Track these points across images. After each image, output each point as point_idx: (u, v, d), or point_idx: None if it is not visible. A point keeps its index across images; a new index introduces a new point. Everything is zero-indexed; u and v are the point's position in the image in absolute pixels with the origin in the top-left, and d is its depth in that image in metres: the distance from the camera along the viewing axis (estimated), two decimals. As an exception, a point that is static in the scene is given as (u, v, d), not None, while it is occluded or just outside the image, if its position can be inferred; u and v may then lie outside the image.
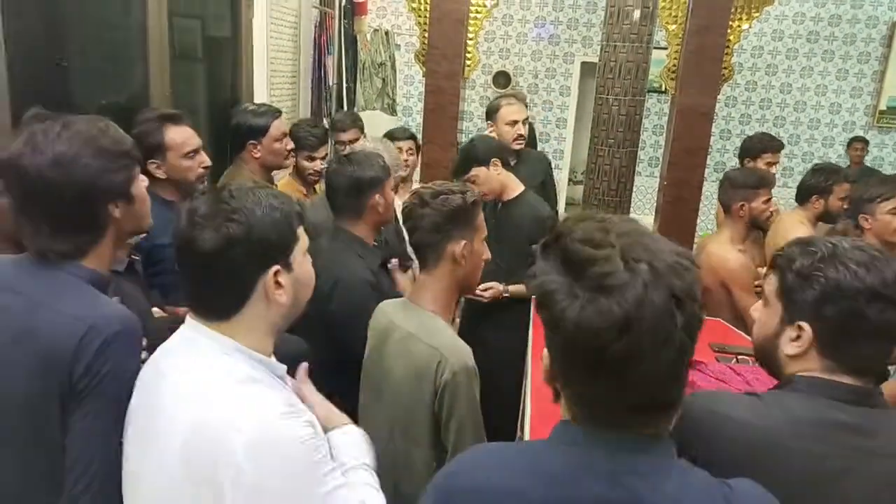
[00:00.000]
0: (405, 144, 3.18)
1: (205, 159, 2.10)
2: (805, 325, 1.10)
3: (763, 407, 1.09)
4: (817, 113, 6.81)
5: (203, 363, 1.04)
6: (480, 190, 2.55)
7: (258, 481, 0.93)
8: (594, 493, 0.78)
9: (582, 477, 0.79)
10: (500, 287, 2.50)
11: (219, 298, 1.05)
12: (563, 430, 0.85)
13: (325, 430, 1.12)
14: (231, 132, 2.66)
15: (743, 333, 2.56)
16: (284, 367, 1.12)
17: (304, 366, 1.24)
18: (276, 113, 2.67)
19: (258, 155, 2.61)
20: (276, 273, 1.05)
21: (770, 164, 3.49)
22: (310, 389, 1.21)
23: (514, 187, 2.68)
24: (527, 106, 3.35)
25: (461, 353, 1.53)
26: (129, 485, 1.10)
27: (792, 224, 2.94)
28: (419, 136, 3.60)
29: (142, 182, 1.30)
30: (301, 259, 1.11)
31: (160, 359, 1.10)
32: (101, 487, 1.11)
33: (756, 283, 2.66)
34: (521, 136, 3.17)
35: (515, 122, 3.17)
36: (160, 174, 2.02)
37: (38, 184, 1.14)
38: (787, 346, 1.12)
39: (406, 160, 3.15)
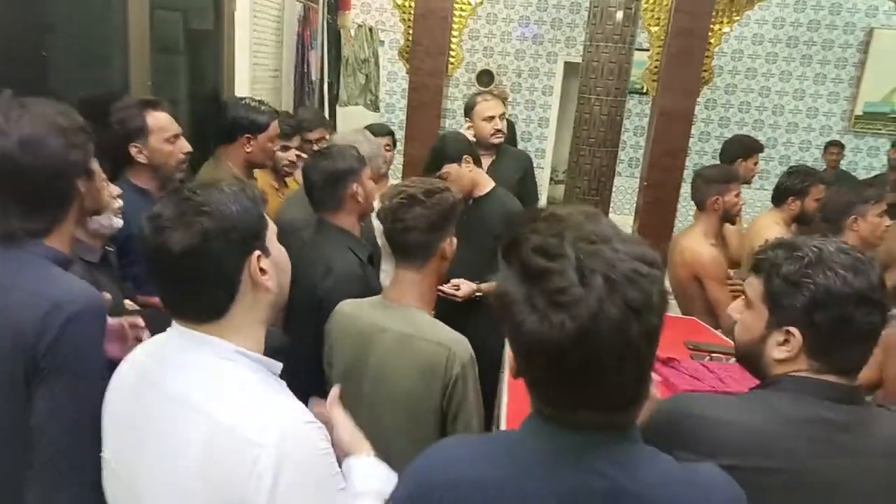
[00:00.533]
0: (382, 140, 3.18)
1: (185, 145, 2.11)
2: (794, 330, 1.10)
3: (745, 406, 1.11)
4: (795, 117, 6.91)
5: (206, 372, 1.00)
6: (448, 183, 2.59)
7: (283, 491, 0.91)
8: (576, 483, 0.79)
9: (560, 467, 0.81)
10: (474, 286, 2.52)
11: (206, 299, 1.01)
12: (534, 422, 0.86)
13: (347, 455, 1.12)
14: (227, 123, 2.59)
15: (713, 330, 2.62)
16: (280, 364, 1.10)
17: (336, 389, 1.20)
18: (275, 114, 2.69)
19: (250, 150, 2.56)
20: (258, 258, 1.03)
21: (756, 163, 3.56)
22: (338, 412, 1.18)
23: (485, 183, 2.69)
24: (505, 103, 3.36)
25: (465, 345, 1.55)
26: (120, 498, 1.07)
27: (767, 225, 3.00)
28: (402, 133, 3.59)
29: (96, 164, 1.32)
30: (275, 241, 1.10)
31: (149, 368, 1.06)
32: (69, 461, 1.10)
33: (729, 281, 2.71)
34: (498, 130, 3.19)
35: (492, 118, 3.18)
36: (142, 158, 2.03)
37: (5, 166, 1.14)
38: (775, 351, 1.12)
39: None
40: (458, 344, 1.54)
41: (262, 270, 1.04)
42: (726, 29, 4.15)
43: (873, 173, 6.34)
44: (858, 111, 6.74)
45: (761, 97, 6.90)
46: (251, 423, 0.94)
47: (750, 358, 1.19)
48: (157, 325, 1.12)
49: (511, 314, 0.77)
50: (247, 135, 2.55)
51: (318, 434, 0.98)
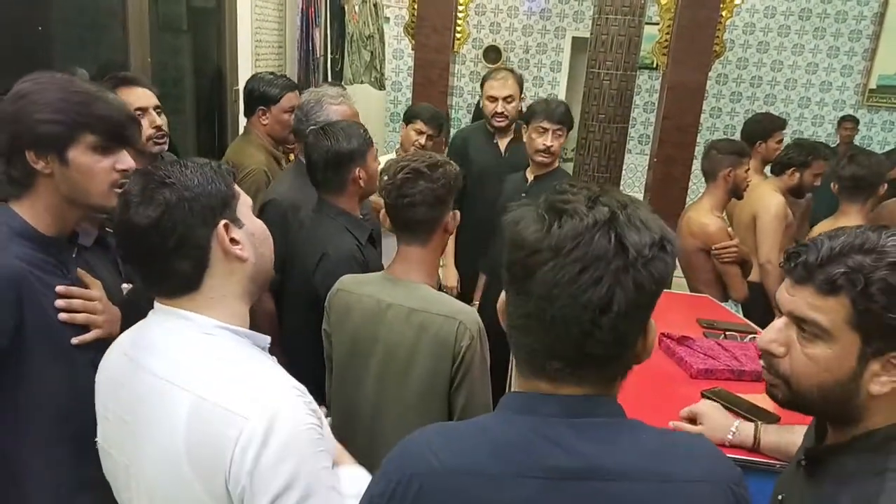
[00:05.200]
0: (429, 129, 3.02)
1: (155, 119, 1.97)
2: None
3: None
4: (808, 91, 6.79)
5: (189, 349, 1.00)
6: (555, 149, 2.65)
7: (266, 464, 0.90)
8: (549, 463, 0.77)
9: (533, 446, 0.78)
10: None
11: (177, 272, 1.00)
12: (511, 399, 0.85)
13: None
14: (245, 97, 2.68)
15: (727, 306, 2.59)
16: (268, 337, 1.09)
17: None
18: (292, 86, 2.67)
19: (266, 122, 2.60)
20: (226, 227, 1.01)
21: (780, 142, 3.51)
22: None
23: (555, 161, 2.71)
24: (521, 84, 3.22)
25: (473, 315, 1.53)
26: (121, 481, 1.06)
27: (766, 191, 3.05)
28: (404, 113, 3.40)
29: (94, 158, 1.26)
30: (249, 214, 1.08)
31: (134, 350, 1.05)
32: None
33: (730, 242, 2.67)
34: (499, 114, 3.06)
35: (494, 99, 3.05)
36: None
37: None
38: (875, 385, 0.89)
39: (423, 145, 2.99)
40: (467, 314, 1.52)
41: (234, 240, 1.03)
42: (738, 1, 4.04)
43: (888, 148, 6.23)
44: (872, 85, 6.60)
45: (773, 71, 6.77)
46: (235, 395, 0.93)
47: (830, 403, 0.93)
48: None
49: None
50: (261, 107, 2.58)
51: (304, 407, 0.96)
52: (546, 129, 2.60)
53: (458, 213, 1.62)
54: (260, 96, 2.58)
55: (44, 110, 1.21)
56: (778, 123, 3.58)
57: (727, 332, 2.16)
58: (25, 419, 1.23)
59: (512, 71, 3.27)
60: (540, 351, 0.79)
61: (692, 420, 1.52)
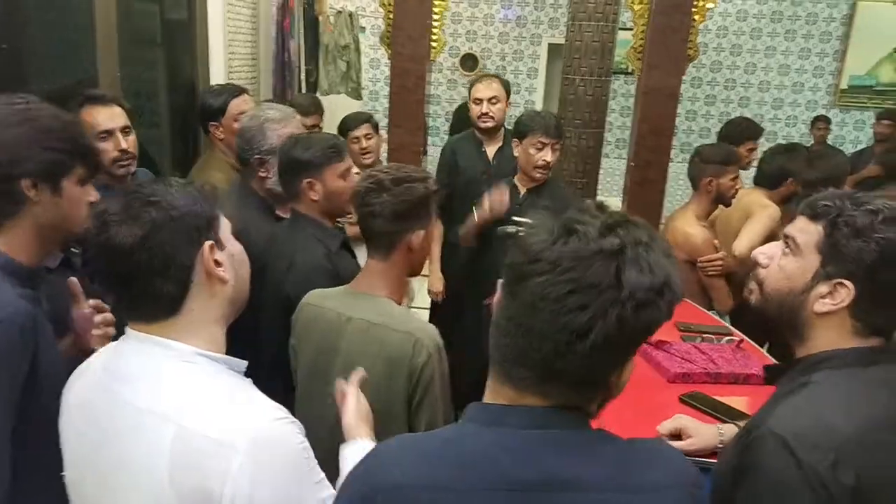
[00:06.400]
0: (361, 131, 3.06)
1: (120, 142, 1.92)
2: (849, 284, 1.02)
3: (837, 404, 1.00)
4: (780, 93, 6.89)
5: (168, 378, 0.97)
6: (553, 163, 2.63)
7: (262, 495, 0.89)
8: (511, 477, 0.77)
9: (498, 459, 0.78)
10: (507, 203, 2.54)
11: (160, 294, 0.97)
12: (476, 411, 0.84)
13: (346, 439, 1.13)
14: (199, 117, 2.59)
15: (705, 310, 2.60)
16: (244, 362, 1.06)
17: (361, 372, 1.22)
18: (236, 91, 2.57)
19: (221, 136, 2.50)
20: (210, 249, 0.99)
21: (752, 150, 3.40)
22: (352, 392, 1.18)
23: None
24: (508, 89, 3.28)
25: (432, 333, 1.51)
26: None
27: (761, 199, 2.89)
28: (385, 121, 3.48)
29: (80, 189, 1.25)
30: (229, 236, 1.06)
31: (111, 378, 1.01)
32: None
33: (716, 256, 2.64)
34: (485, 114, 3.14)
35: (479, 101, 3.14)
36: None
37: None
38: (818, 304, 1.05)
39: (365, 147, 3.04)
40: (425, 332, 1.50)
41: (217, 262, 1.01)
42: (710, 5, 4.09)
43: (860, 147, 6.33)
44: (843, 85, 6.72)
45: (747, 74, 6.86)
46: (220, 425, 0.91)
47: (784, 310, 1.10)
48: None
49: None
50: (212, 122, 2.50)
51: (290, 430, 0.95)
52: (546, 144, 2.59)
53: (422, 233, 1.59)
54: (207, 111, 2.50)
55: (48, 138, 1.18)
56: (752, 131, 3.48)
57: (704, 335, 2.17)
58: (42, 458, 1.18)
59: (498, 76, 3.33)
60: (510, 355, 0.80)
61: (676, 436, 1.52)
